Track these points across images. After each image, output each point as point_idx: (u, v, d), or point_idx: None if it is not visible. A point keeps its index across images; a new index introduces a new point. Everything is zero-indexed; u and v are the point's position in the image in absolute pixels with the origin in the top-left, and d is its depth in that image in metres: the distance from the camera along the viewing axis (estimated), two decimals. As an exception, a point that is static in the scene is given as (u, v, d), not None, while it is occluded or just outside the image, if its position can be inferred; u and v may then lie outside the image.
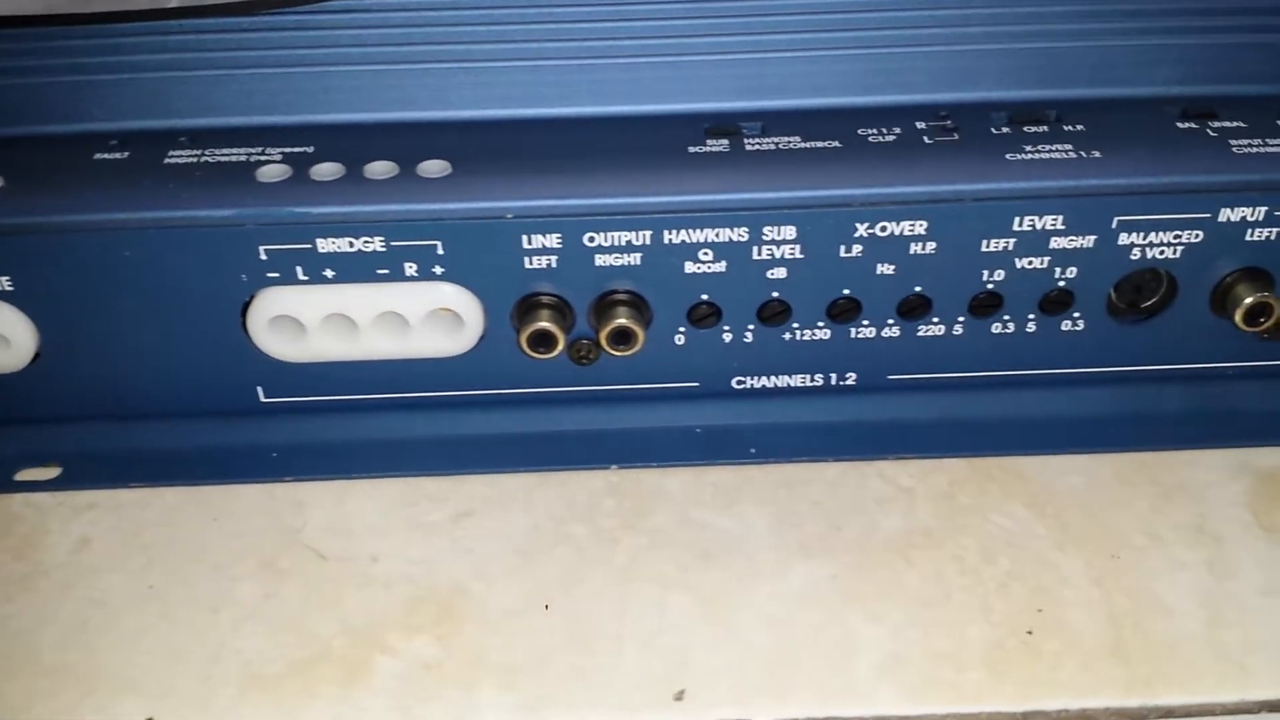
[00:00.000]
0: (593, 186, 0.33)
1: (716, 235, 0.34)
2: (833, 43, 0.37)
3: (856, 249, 0.34)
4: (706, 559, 0.33)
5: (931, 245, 0.34)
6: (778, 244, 0.34)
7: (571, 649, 0.31)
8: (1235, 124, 0.35)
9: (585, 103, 0.36)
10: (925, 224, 0.33)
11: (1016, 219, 0.33)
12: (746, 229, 0.33)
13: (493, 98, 0.36)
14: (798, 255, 0.34)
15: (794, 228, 0.33)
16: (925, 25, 0.37)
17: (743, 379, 0.37)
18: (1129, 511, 0.34)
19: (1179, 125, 0.35)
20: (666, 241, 0.34)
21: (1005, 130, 0.35)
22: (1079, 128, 0.35)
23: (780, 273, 0.34)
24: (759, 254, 0.34)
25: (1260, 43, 0.37)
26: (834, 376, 0.37)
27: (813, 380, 0.37)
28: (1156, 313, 0.36)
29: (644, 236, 0.33)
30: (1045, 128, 0.35)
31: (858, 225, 0.33)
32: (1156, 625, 0.31)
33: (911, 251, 0.34)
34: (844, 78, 0.37)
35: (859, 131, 0.35)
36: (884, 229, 0.34)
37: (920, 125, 0.35)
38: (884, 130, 0.35)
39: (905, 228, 0.34)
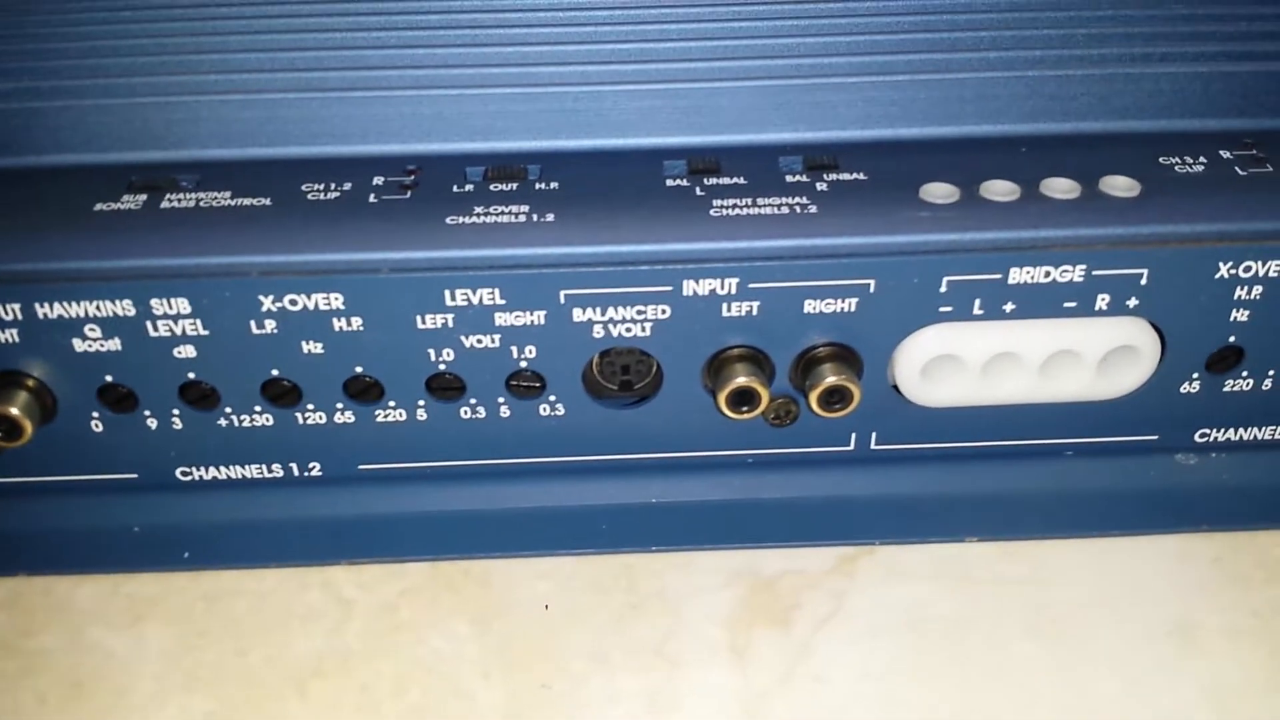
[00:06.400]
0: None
1: (98, 309, 0.29)
2: (271, 85, 0.33)
3: (270, 325, 0.29)
4: (76, 690, 0.28)
5: (358, 321, 0.29)
6: (174, 319, 0.29)
7: None
8: (734, 181, 0.31)
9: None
10: (341, 297, 0.29)
11: (448, 292, 0.29)
12: (131, 302, 0.29)
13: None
14: (202, 332, 0.29)
15: (186, 301, 0.29)
16: (381, 67, 0.33)
17: (188, 470, 0.32)
18: (586, 627, 0.30)
19: (669, 183, 0.31)
20: (42, 316, 0.29)
21: (470, 188, 0.30)
22: (553, 185, 0.30)
23: (189, 351, 0.30)
24: (155, 330, 0.29)
25: (760, 88, 0.33)
26: (295, 467, 0.32)
27: (270, 471, 0.32)
28: (649, 396, 0.31)
29: (14, 310, 0.29)
30: (516, 185, 0.30)
31: (262, 299, 0.29)
32: (558, 776, 0.26)
33: (336, 328, 0.29)
34: (291, 125, 0.32)
35: (302, 186, 0.30)
36: (295, 302, 0.29)
37: (378, 180, 0.31)
38: (329, 185, 0.30)
39: (320, 301, 0.29)
